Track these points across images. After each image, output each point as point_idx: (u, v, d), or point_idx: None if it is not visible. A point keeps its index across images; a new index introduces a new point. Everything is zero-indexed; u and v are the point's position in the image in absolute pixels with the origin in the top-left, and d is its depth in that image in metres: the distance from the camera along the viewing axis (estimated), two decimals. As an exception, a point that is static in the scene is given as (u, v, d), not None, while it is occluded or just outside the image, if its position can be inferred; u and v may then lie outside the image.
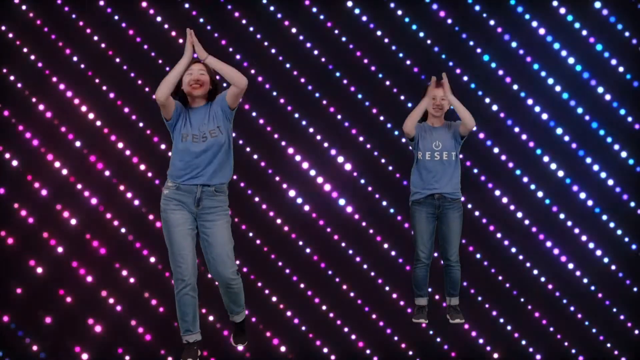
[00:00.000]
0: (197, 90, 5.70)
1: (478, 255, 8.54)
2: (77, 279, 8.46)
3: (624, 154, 8.56)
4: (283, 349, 8.53)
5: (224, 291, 5.84)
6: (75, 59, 8.52)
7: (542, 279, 8.54)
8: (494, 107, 8.55)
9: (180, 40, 8.42)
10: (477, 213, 8.54)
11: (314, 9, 8.59)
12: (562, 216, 8.56)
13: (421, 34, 8.58)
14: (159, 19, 8.55)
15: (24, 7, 8.53)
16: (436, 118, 6.77)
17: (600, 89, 8.56)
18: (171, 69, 5.66)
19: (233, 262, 5.73)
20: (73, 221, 8.45)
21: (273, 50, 8.55)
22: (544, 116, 8.57)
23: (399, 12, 8.57)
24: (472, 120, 6.54)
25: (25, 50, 8.52)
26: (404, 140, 8.15)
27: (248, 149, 8.49)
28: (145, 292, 8.49)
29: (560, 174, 8.56)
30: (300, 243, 8.56)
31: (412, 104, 8.53)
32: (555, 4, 8.60)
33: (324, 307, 8.55)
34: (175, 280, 5.61)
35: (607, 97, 8.57)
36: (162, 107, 5.64)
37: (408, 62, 8.58)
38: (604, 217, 8.56)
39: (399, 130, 8.40)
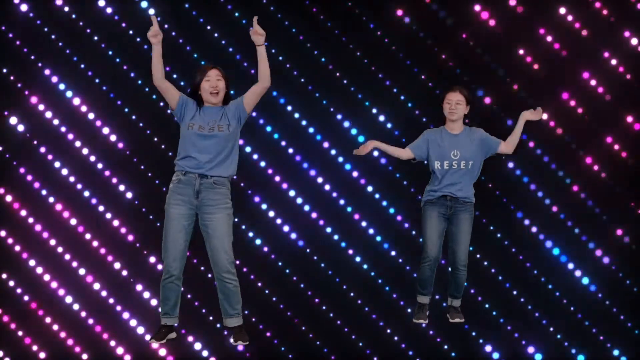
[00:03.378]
0: (216, 97, 5.94)
1: (478, 256, 8.54)
2: (77, 279, 8.50)
3: (624, 154, 8.56)
4: (283, 348, 8.54)
5: (220, 286, 5.96)
6: (75, 58, 8.53)
7: (542, 279, 8.55)
8: (494, 107, 8.55)
9: (181, 40, 8.44)
10: (476, 213, 8.53)
11: (314, 9, 8.60)
12: (562, 216, 8.56)
13: (420, 34, 8.60)
14: (158, 18, 8.54)
15: (24, 7, 8.54)
16: (454, 123, 6.52)
17: (601, 89, 8.56)
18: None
19: (230, 255, 5.90)
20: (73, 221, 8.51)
21: (273, 50, 8.54)
22: (544, 116, 8.57)
23: (399, 13, 8.58)
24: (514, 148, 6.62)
25: (25, 50, 8.53)
26: (404, 140, 8.12)
27: (248, 149, 8.49)
28: (145, 292, 8.50)
29: (560, 174, 8.56)
30: (301, 243, 8.56)
31: (411, 104, 8.54)
32: (554, 3, 8.60)
33: (324, 307, 8.55)
34: (163, 269, 5.91)
35: (607, 97, 8.57)
36: (164, 93, 5.90)
37: (408, 62, 8.59)
38: (604, 217, 8.56)
39: (399, 131, 8.41)
